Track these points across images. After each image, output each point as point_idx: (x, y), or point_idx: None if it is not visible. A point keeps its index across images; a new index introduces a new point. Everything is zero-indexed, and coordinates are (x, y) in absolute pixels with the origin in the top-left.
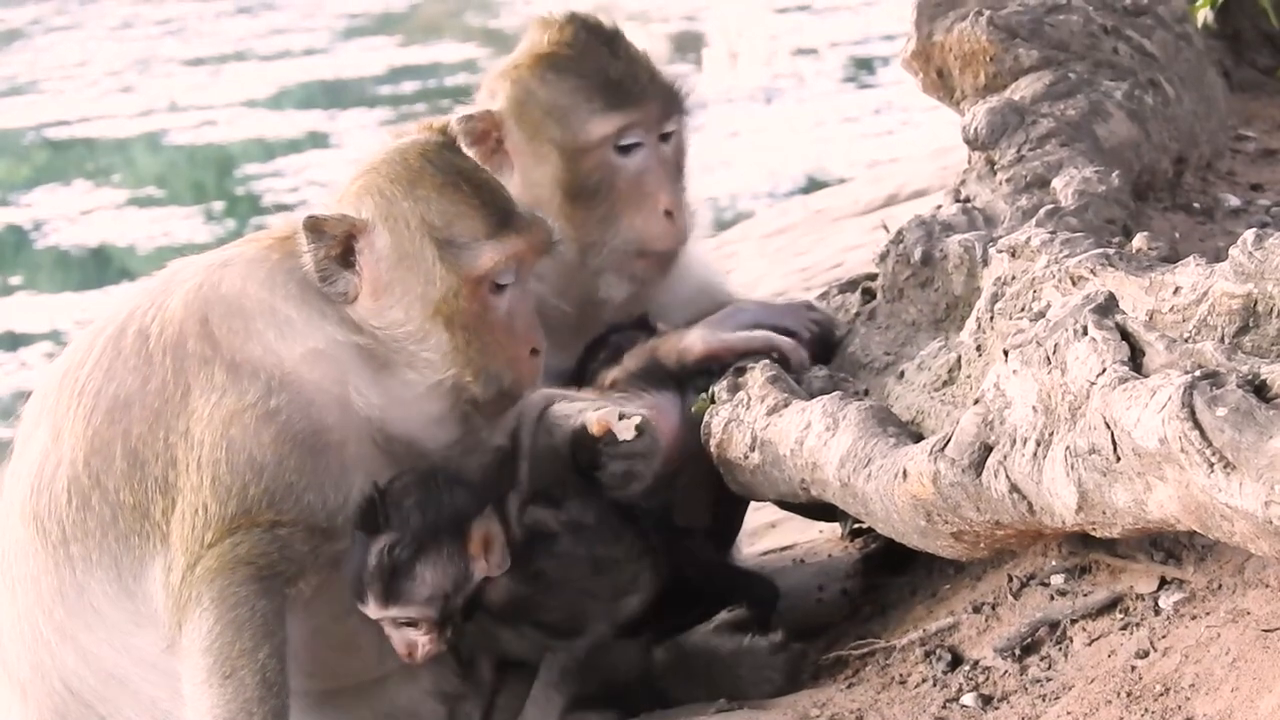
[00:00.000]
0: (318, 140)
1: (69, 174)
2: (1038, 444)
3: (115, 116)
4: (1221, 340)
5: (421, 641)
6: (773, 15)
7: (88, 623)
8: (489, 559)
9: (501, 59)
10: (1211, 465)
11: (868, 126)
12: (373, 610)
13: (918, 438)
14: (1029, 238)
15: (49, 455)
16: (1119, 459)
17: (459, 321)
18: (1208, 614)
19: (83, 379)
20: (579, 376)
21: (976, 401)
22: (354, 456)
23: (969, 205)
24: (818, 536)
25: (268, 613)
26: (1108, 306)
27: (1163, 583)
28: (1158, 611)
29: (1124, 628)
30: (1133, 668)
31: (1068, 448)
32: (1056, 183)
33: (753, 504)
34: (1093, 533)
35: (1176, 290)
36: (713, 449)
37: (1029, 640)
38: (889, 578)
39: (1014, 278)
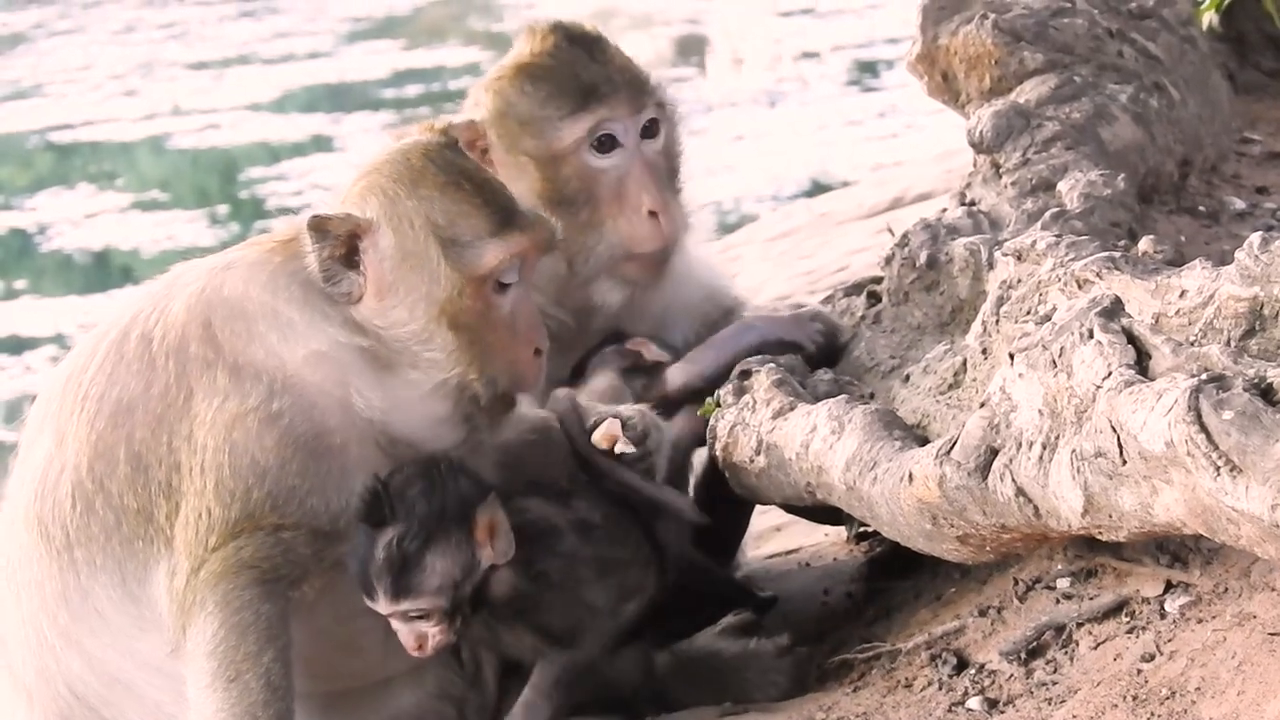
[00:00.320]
0: (322, 144)
1: (73, 178)
2: (1044, 447)
3: (119, 120)
4: (1228, 343)
5: (432, 633)
6: (776, 19)
7: (92, 627)
8: (495, 546)
9: (492, 68)
10: (1218, 468)
11: (872, 130)
12: (383, 606)
13: (923, 441)
14: (1034, 241)
15: (53, 460)
16: (1125, 462)
17: (463, 321)
18: (1214, 618)
19: (86, 383)
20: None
21: (982, 405)
22: (357, 459)
23: (974, 208)
24: (823, 540)
25: (272, 616)
26: (1113, 310)
27: (1168, 586)
28: (1163, 615)
29: (1130, 631)
30: (1138, 671)
31: (1074, 451)
32: (1062, 186)
33: (758, 507)
34: (1099, 536)
35: (1182, 293)
36: (718, 452)
37: (1035, 644)
38: (894, 581)
39: (1019, 281)
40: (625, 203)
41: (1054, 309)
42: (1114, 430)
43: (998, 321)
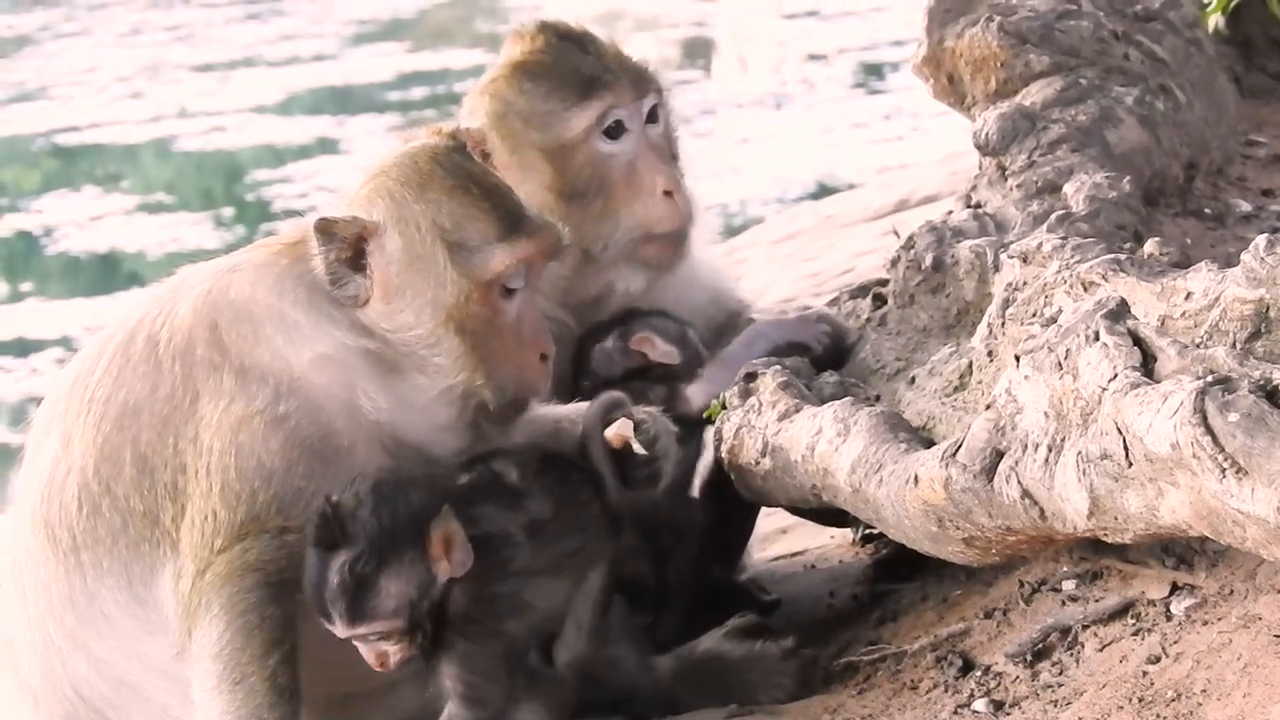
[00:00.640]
0: (327, 146)
1: (78, 180)
2: (1049, 449)
3: (124, 123)
4: (1233, 346)
5: (392, 651)
6: (782, 21)
7: (98, 630)
8: (451, 559)
9: (481, 76)
10: (1223, 471)
11: (878, 132)
12: (340, 630)
13: (929, 443)
14: (1040, 243)
15: (59, 462)
16: (1131, 464)
17: (469, 326)
18: (1219, 619)
19: (92, 386)
20: (574, 385)
21: (988, 407)
22: (363, 461)
23: (980, 211)
24: (829, 542)
25: (277, 618)
26: (1119, 312)
27: (1174, 588)
28: (1169, 617)
29: (1135, 633)
30: (1144, 673)
31: (1079, 453)
32: (1068, 188)
33: (764, 510)
34: (1104, 538)
35: (1188, 296)
36: (724, 454)
37: (1040, 646)
38: (900, 583)
39: (1025, 283)
40: (639, 186)
41: (1059, 311)
42: (1120, 432)
43: (1003, 324)
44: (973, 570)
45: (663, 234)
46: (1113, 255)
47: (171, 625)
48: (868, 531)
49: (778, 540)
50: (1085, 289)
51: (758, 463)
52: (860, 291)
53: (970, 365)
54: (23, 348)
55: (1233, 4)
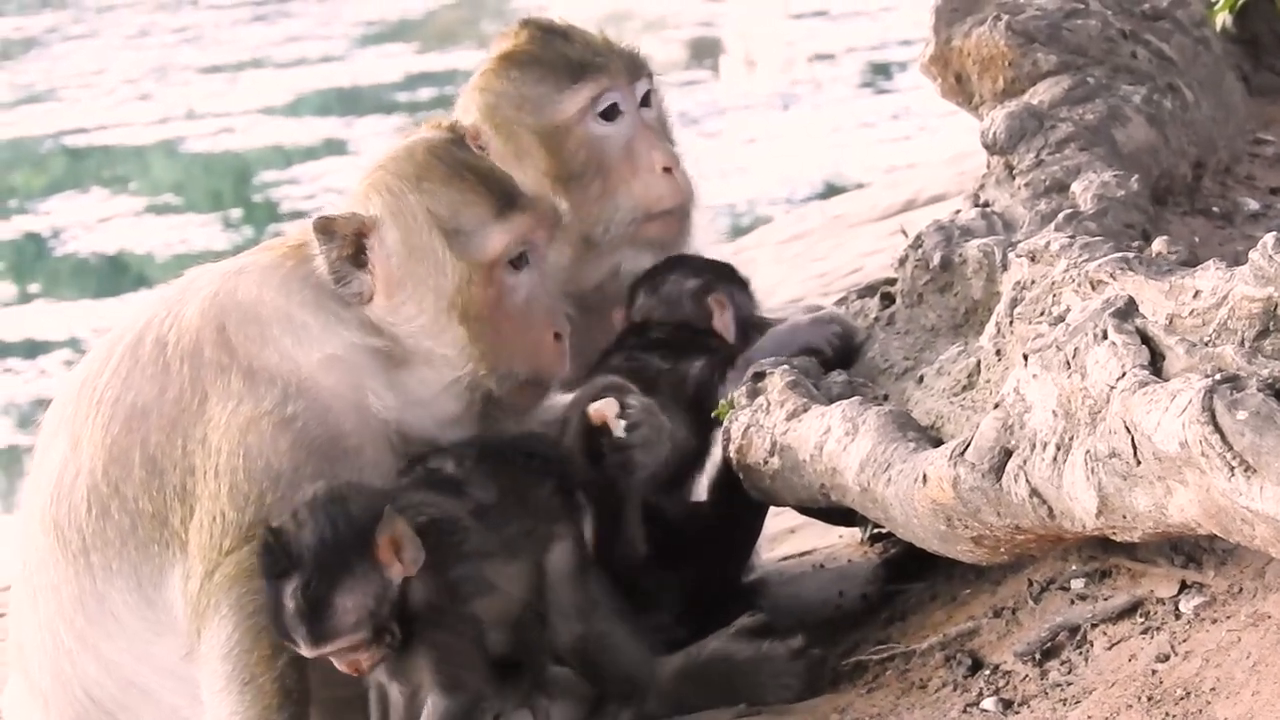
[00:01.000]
0: (335, 147)
1: (86, 182)
2: (1058, 448)
3: (132, 124)
4: (1242, 344)
5: (364, 659)
6: (789, 21)
7: (108, 631)
8: (403, 559)
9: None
10: (1232, 469)
11: (885, 132)
12: (307, 652)
13: (937, 442)
14: (1048, 242)
15: (68, 464)
16: (1139, 463)
17: (474, 312)
18: (1228, 618)
19: (101, 388)
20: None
21: (996, 406)
22: (371, 462)
23: (988, 210)
24: (837, 541)
25: None
26: (1127, 310)
27: (1183, 587)
28: (1178, 615)
29: (1144, 632)
30: (1153, 672)
31: (1088, 452)
32: (1075, 187)
33: (772, 509)
34: (1113, 537)
35: (1196, 294)
36: (732, 454)
37: (1049, 644)
38: (909, 583)
39: (1033, 282)
40: (637, 164)
41: (1068, 310)
42: (1128, 431)
43: (1011, 323)
44: (981, 569)
45: (664, 211)
46: (1121, 254)
47: (180, 626)
48: (876, 531)
49: (786, 540)
50: (1093, 287)
51: (766, 462)
52: (868, 291)
53: (978, 364)
54: (31, 349)
55: (1240, 3)
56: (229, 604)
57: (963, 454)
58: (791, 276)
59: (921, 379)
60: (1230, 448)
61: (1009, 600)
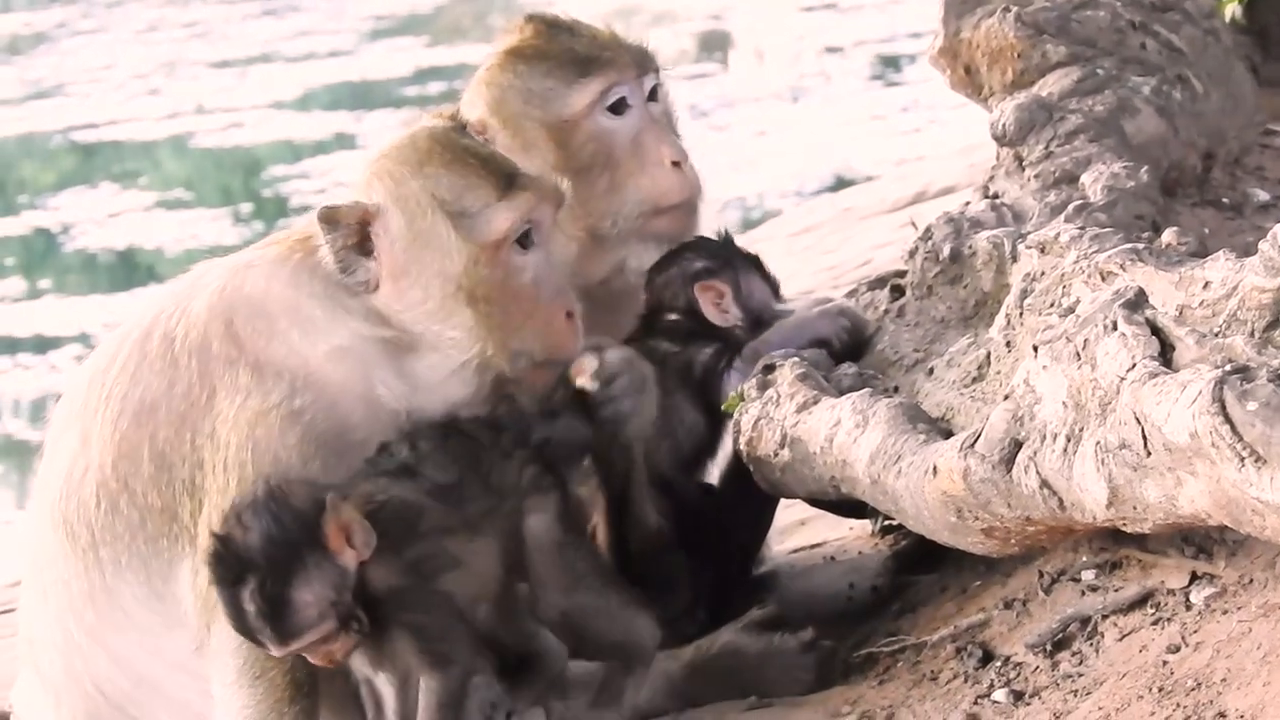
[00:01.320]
0: (345, 142)
1: (96, 177)
2: (1068, 439)
3: (142, 119)
4: (1252, 335)
5: (336, 649)
6: (799, 14)
7: (118, 626)
8: (355, 543)
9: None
10: (1242, 460)
11: (895, 124)
12: (276, 651)
13: (947, 434)
14: (1058, 234)
15: (77, 459)
16: (1149, 454)
17: (482, 293)
18: (1239, 609)
19: (109, 383)
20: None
21: (1006, 397)
22: None
23: (997, 202)
24: (848, 534)
25: None
26: (1137, 302)
27: (1194, 578)
28: (1189, 606)
29: (1155, 623)
30: (1164, 663)
31: (1098, 443)
32: (1085, 179)
33: (783, 501)
34: (1123, 528)
35: (1206, 285)
36: (743, 446)
37: (1060, 636)
38: (919, 575)
39: (1043, 274)
40: (645, 158)
41: (1078, 301)
42: (1138, 422)
43: (1021, 314)
44: (992, 561)
45: (672, 205)
46: (1130, 245)
47: (190, 621)
48: (887, 523)
49: (796, 532)
50: (1103, 279)
51: (776, 454)
52: (878, 283)
53: (988, 356)
54: (41, 345)
55: None
56: None
57: (973, 446)
58: (801, 269)
59: (931, 371)
60: (1240, 438)
61: (1020, 592)
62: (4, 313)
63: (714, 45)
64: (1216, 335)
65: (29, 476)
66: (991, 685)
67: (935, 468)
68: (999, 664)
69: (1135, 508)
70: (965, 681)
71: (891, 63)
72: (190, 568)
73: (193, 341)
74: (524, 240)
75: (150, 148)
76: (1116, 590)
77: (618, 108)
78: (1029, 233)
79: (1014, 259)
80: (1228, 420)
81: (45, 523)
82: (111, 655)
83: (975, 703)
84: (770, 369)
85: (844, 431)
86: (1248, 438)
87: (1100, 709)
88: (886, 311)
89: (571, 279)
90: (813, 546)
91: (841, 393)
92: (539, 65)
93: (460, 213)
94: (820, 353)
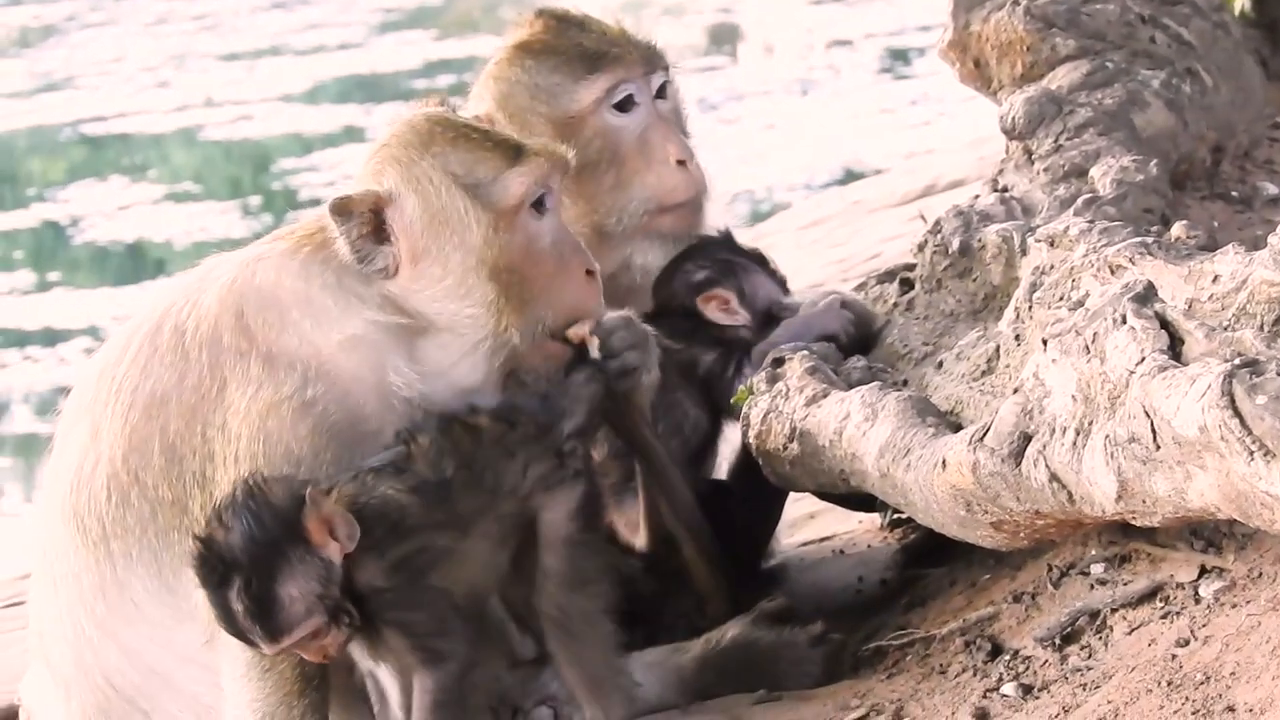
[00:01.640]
0: (354, 135)
1: (105, 170)
2: (1077, 433)
3: (151, 112)
4: (1261, 328)
5: (329, 643)
6: (808, 7)
7: (129, 619)
8: (338, 536)
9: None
10: (1251, 453)
11: (904, 117)
12: (268, 649)
13: (957, 428)
14: (1067, 227)
15: (88, 452)
16: (1159, 447)
17: (504, 262)
18: (1248, 602)
19: (120, 376)
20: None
21: (1016, 391)
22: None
23: (1007, 195)
24: (857, 527)
25: None
26: (1146, 295)
27: (1203, 571)
28: (1198, 600)
29: (1164, 616)
30: (1173, 656)
31: (1107, 436)
32: (1094, 172)
33: (792, 495)
34: (1133, 521)
35: (1215, 279)
36: (752, 440)
37: (1069, 629)
38: (929, 568)
39: (1052, 267)
40: (651, 156)
41: (1087, 295)
42: (1147, 415)
43: (1030, 308)
44: (1001, 554)
45: (677, 204)
46: (1140, 238)
47: (201, 614)
48: (896, 516)
49: (806, 525)
50: (1112, 272)
51: (785, 448)
52: (887, 277)
53: (998, 349)
54: (50, 337)
55: None
56: None
57: (982, 439)
58: (811, 262)
59: (941, 364)
60: (1250, 432)
61: (1029, 585)
62: (13, 305)
63: (723, 38)
64: (1226, 329)
65: (38, 470)
66: (1000, 679)
67: (944, 461)
68: (1008, 657)
69: (1144, 501)
70: (974, 675)
71: (901, 56)
72: None
73: (203, 334)
74: (539, 205)
75: (159, 140)
76: (1125, 584)
77: (624, 105)
78: (1038, 226)
79: (1023, 252)
80: (1237, 414)
81: (56, 516)
82: (122, 648)
83: (984, 696)
84: (779, 363)
85: (853, 425)
86: (1257, 431)
87: (1109, 702)
88: (896, 305)
89: None
90: (822, 540)
91: (850, 386)
92: (547, 60)
93: (475, 184)
94: (829, 346)
